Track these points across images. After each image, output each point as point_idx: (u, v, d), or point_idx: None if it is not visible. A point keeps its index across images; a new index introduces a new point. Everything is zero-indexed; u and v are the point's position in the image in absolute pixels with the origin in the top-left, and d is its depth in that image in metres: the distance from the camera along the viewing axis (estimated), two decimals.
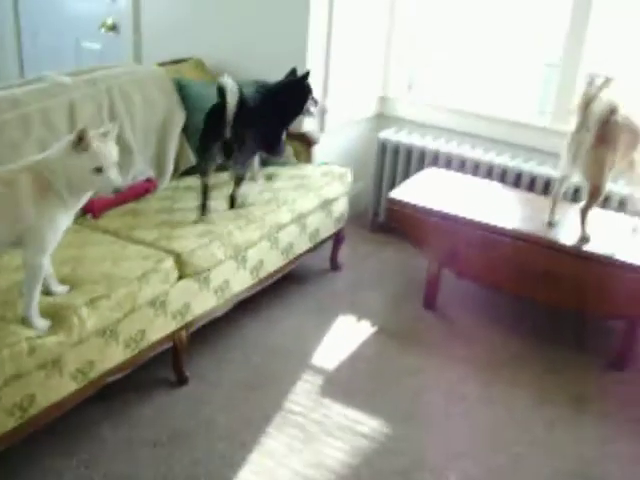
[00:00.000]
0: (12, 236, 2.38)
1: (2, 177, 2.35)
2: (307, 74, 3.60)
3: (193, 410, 2.94)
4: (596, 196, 3.31)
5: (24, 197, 2.33)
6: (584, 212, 3.36)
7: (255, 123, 3.35)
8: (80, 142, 2.34)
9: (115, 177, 2.41)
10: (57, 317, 2.46)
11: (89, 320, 2.51)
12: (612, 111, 3.20)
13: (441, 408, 3.09)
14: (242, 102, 3.21)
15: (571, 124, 3.37)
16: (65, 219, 2.44)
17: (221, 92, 3.16)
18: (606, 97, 3.24)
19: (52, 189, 2.36)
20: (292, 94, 3.62)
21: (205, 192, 3.31)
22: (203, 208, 3.28)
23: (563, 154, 3.39)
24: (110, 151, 2.41)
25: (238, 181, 3.37)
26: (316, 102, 3.69)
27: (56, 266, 2.62)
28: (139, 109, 3.63)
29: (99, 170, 2.36)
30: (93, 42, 4.91)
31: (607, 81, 3.38)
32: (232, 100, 3.15)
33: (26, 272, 2.41)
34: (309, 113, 3.70)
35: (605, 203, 3.81)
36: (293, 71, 3.66)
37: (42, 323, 2.42)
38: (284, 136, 3.67)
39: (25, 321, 2.40)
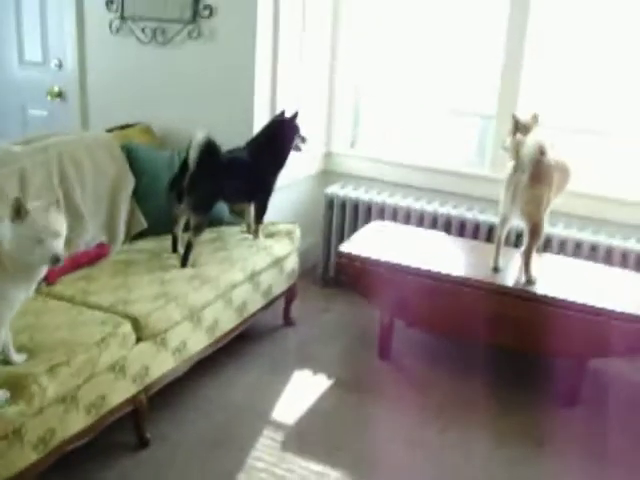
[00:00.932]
0: None
1: None
2: (296, 114, 3.80)
3: (156, 473, 2.94)
4: (536, 234, 3.45)
5: None
6: (527, 253, 3.49)
7: (231, 174, 3.58)
8: (18, 212, 2.34)
9: (54, 246, 2.37)
10: (17, 386, 2.44)
11: (49, 388, 2.50)
12: (541, 151, 3.37)
13: (402, 456, 3.14)
14: (209, 154, 3.40)
15: (507, 168, 3.54)
16: (16, 292, 2.43)
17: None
18: (533, 139, 3.44)
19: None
20: (280, 133, 3.81)
21: (175, 242, 3.60)
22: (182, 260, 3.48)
23: (501, 197, 3.54)
24: (51, 221, 2.40)
25: (195, 228, 3.49)
26: (303, 139, 3.88)
27: (13, 335, 2.63)
28: (89, 175, 3.68)
29: (39, 240, 2.35)
30: (40, 109, 4.96)
31: (533, 119, 3.64)
32: (192, 154, 3.36)
33: None
34: (297, 148, 3.89)
35: (546, 245, 3.98)
36: (282, 113, 3.85)
37: (1, 394, 2.42)
38: (275, 180, 3.85)
39: None
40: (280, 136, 3.80)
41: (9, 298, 2.42)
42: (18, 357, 2.58)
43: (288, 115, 3.82)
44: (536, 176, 3.37)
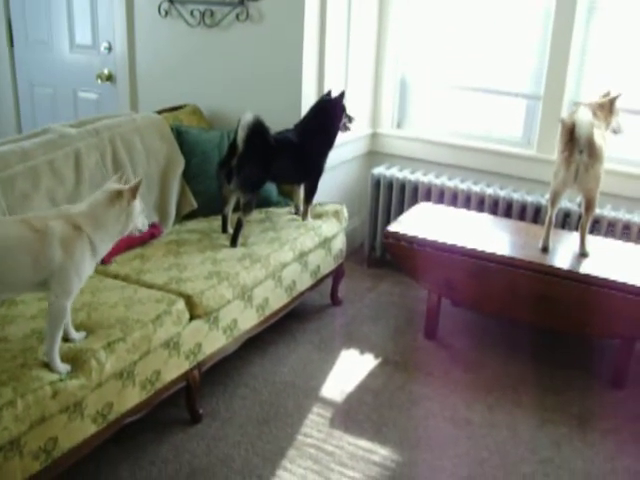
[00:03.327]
0: (37, 278, 2.44)
1: (33, 223, 2.43)
2: (343, 94, 3.85)
3: (209, 447, 3.02)
4: (594, 207, 3.56)
5: (54, 242, 2.42)
6: (584, 226, 3.59)
7: (280, 154, 3.62)
8: (119, 198, 2.55)
9: (142, 224, 2.71)
10: (77, 361, 2.52)
11: (107, 363, 2.58)
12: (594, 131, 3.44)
13: (448, 433, 3.18)
14: (257, 134, 3.46)
15: (558, 148, 3.61)
16: (91, 265, 2.54)
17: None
18: (585, 118, 3.43)
19: (83, 237, 2.48)
20: (328, 113, 3.85)
21: (225, 222, 3.68)
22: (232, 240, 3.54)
23: (556, 176, 3.53)
24: (139, 203, 2.65)
25: (244, 207, 3.54)
26: (350, 118, 3.93)
27: (72, 312, 2.72)
28: (141, 156, 3.75)
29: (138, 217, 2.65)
30: (90, 92, 5.06)
31: (576, 106, 3.75)
32: (241, 133, 3.41)
33: (50, 314, 2.47)
34: (345, 128, 3.94)
35: (594, 228, 3.96)
36: (328, 93, 3.89)
37: (63, 367, 2.50)
38: (325, 161, 3.90)
39: (47, 365, 2.48)
40: (328, 116, 3.83)
41: (85, 270, 2.52)
42: (77, 335, 2.66)
43: (335, 95, 3.85)
44: (595, 155, 3.42)
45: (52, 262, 2.43)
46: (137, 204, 2.61)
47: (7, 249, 2.39)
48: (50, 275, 2.44)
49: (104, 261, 3.24)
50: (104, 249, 2.58)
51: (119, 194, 2.55)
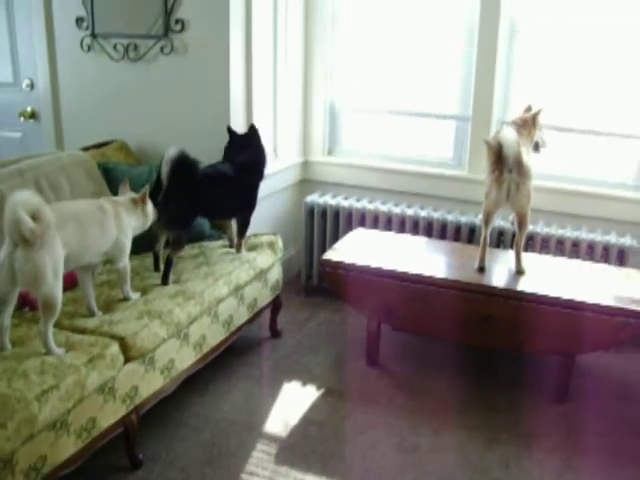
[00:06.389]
0: (105, 248, 3.04)
1: (98, 205, 3.06)
2: (252, 126, 3.83)
3: None
4: (526, 224, 3.60)
5: (110, 219, 3.06)
6: (519, 243, 3.62)
7: (210, 188, 3.54)
8: (139, 202, 3.21)
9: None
10: (6, 411, 2.40)
11: (40, 414, 2.48)
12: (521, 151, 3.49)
13: (396, 461, 3.13)
14: (183, 168, 3.38)
15: (486, 167, 3.66)
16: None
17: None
18: (510, 137, 3.48)
19: (123, 216, 3.12)
20: (257, 144, 3.81)
21: (156, 260, 3.59)
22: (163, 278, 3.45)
23: (488, 196, 3.56)
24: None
25: (173, 244, 3.47)
26: None
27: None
28: (67, 196, 3.64)
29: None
30: (13, 131, 4.92)
31: (501, 126, 3.83)
32: (165, 169, 3.35)
33: (120, 273, 3.19)
34: None
35: (528, 244, 4.00)
36: (251, 127, 3.83)
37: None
38: (257, 193, 3.85)
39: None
40: (257, 148, 3.79)
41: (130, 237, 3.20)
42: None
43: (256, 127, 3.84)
44: (524, 173, 3.47)
45: (112, 234, 3.05)
46: (150, 207, 3.25)
47: (85, 222, 2.94)
48: (111, 246, 3.06)
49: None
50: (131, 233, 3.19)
51: (135, 201, 3.19)
